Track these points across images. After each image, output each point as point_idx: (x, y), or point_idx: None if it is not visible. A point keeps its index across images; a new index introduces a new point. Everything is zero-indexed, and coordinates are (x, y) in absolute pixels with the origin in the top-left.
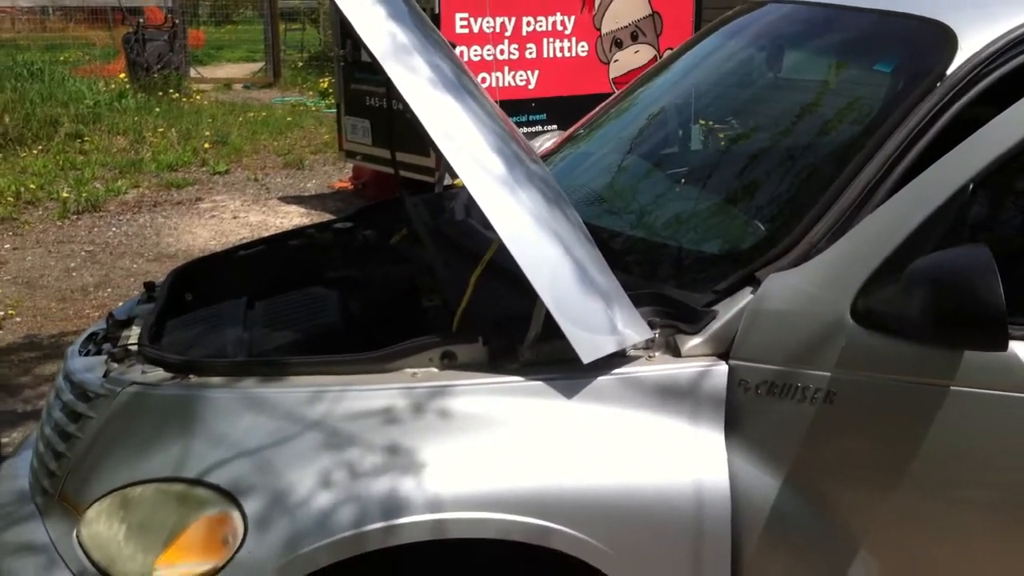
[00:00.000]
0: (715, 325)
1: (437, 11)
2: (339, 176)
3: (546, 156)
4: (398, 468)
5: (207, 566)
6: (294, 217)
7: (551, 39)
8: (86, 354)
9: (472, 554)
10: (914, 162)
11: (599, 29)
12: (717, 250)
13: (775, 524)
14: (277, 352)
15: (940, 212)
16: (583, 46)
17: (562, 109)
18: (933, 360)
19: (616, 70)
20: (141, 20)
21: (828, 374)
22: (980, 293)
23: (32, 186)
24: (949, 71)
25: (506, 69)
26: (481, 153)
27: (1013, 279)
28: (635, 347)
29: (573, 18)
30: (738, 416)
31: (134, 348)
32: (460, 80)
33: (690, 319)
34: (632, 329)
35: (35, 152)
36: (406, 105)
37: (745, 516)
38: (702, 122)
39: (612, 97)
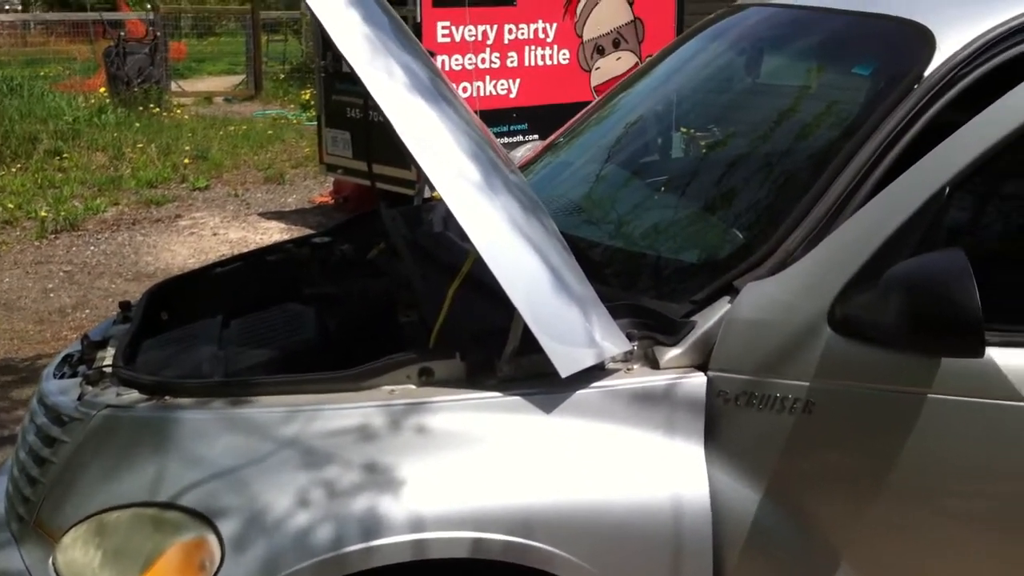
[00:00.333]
0: (693, 336)
1: (419, 20)
2: (320, 190)
3: (525, 166)
4: (377, 487)
5: None
6: (274, 233)
7: (533, 47)
8: (61, 376)
9: (452, 571)
10: (892, 166)
11: (581, 36)
12: (695, 259)
13: (756, 537)
14: (253, 371)
15: (916, 217)
16: (564, 54)
17: (543, 118)
18: (911, 368)
19: (598, 78)
20: (122, 33)
21: (806, 383)
22: (956, 298)
23: (10, 205)
24: (927, 72)
25: (487, 78)
26: (456, 161)
27: (990, 284)
28: (614, 359)
29: (555, 25)
30: (717, 427)
31: (109, 370)
32: (436, 86)
33: (668, 330)
34: (610, 341)
35: (13, 170)
36: (382, 113)
37: (726, 529)
38: (683, 130)
39: (592, 104)
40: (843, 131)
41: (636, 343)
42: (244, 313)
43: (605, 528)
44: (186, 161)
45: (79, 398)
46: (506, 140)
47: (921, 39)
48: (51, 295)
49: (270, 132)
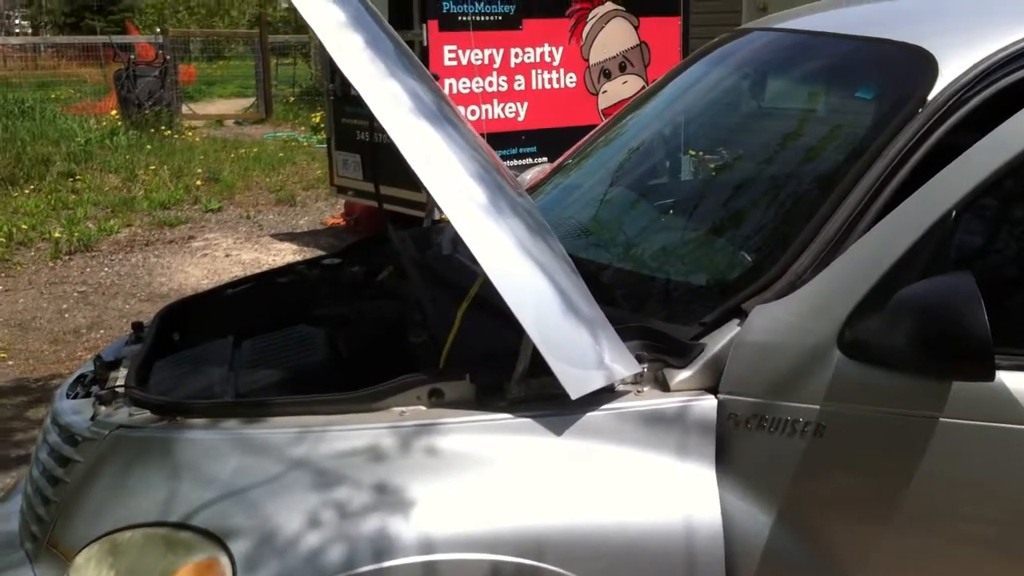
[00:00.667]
0: (703, 358)
1: (426, 44)
2: (331, 212)
3: (534, 188)
4: (388, 508)
5: None
6: (287, 254)
7: (539, 70)
8: (74, 396)
9: None
10: (898, 189)
11: (587, 60)
12: (704, 282)
13: (768, 560)
14: (264, 392)
15: (925, 239)
16: (571, 77)
17: (552, 140)
18: (921, 391)
19: (605, 101)
20: (132, 56)
21: (817, 406)
22: (965, 322)
23: (24, 226)
24: (930, 96)
25: (495, 101)
26: (463, 183)
27: (1000, 307)
28: (623, 382)
29: (561, 49)
30: (729, 450)
31: (121, 390)
32: (441, 109)
33: (678, 352)
34: (620, 363)
35: (27, 192)
36: (388, 135)
37: (738, 553)
38: (692, 152)
39: (599, 127)
40: (849, 154)
41: (646, 365)
42: (255, 334)
43: (617, 551)
44: (198, 183)
45: (92, 418)
46: (515, 163)
47: (924, 64)
48: (66, 315)
49: (281, 154)
